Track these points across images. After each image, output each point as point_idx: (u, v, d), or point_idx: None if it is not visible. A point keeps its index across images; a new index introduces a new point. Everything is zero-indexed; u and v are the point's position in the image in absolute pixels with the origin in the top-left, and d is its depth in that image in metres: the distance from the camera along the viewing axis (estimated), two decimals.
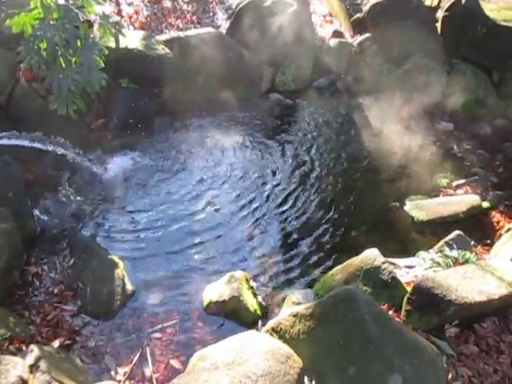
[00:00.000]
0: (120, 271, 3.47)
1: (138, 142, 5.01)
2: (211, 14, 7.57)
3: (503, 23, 6.03)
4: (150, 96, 5.41)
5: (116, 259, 3.56)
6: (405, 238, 4.09)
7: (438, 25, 6.27)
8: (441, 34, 6.21)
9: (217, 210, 4.26)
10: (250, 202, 4.40)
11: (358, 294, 2.36)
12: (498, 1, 7.10)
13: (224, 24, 7.00)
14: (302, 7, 6.75)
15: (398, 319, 2.79)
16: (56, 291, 3.37)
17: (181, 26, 7.02)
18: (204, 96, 5.79)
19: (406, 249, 3.85)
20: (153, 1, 7.61)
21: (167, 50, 5.60)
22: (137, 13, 7.09)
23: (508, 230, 3.84)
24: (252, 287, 3.46)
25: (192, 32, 6.03)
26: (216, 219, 4.16)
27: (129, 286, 3.43)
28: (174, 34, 6.06)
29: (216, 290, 3.34)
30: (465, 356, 2.62)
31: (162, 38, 5.88)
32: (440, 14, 6.30)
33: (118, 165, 4.70)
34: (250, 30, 6.19)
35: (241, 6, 6.48)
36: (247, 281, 3.46)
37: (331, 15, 7.71)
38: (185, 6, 7.61)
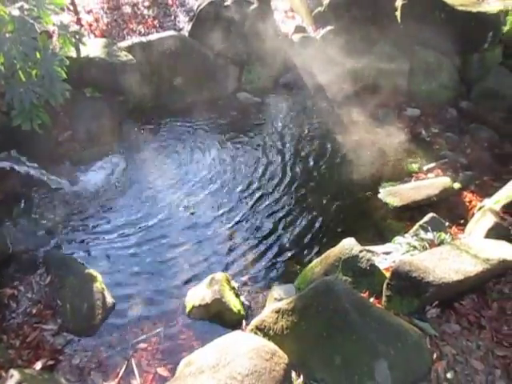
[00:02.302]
0: (99, 284, 3.40)
1: (107, 152, 4.93)
2: (172, 17, 7.50)
3: (460, 8, 6.16)
4: (116, 104, 5.34)
5: (94, 273, 3.49)
6: (381, 225, 4.14)
7: (398, 13, 6.36)
8: (401, 22, 6.30)
9: (193, 214, 4.22)
10: (226, 202, 4.38)
11: (337, 284, 2.38)
12: None
13: (186, 26, 6.95)
14: (263, 5, 6.76)
15: (380, 305, 2.82)
16: (34, 311, 3.28)
17: (143, 31, 6.94)
18: (171, 100, 5.75)
19: (383, 235, 3.90)
20: (112, 7, 7.50)
21: (130, 57, 5.53)
22: (97, 21, 6.98)
23: (480, 208, 3.92)
24: (234, 288, 3.45)
25: (154, 36, 5.97)
26: (193, 223, 4.13)
27: (109, 299, 3.37)
28: (136, 39, 5.99)
29: (198, 294, 3.32)
30: (447, 335, 2.66)
31: (124, 44, 5.81)
32: (399, 3, 6.39)
33: (88, 177, 4.62)
34: (212, 31, 6.17)
35: (201, 7, 6.44)
36: (228, 282, 3.44)
37: (293, 11, 7.74)
38: (145, 11, 7.53)
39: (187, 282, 3.57)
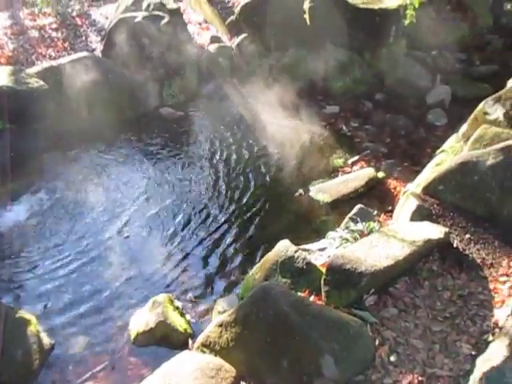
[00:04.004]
0: (33, 327, 3.20)
1: (29, 185, 4.67)
2: (83, 37, 7.30)
3: (363, 6, 6.50)
4: (32, 133, 5.09)
5: (26, 315, 3.27)
6: (315, 222, 4.24)
7: (307, 15, 6.59)
8: (310, 23, 6.53)
9: (127, 238, 4.10)
10: (159, 222, 4.29)
11: (273, 288, 2.40)
12: None
13: (99, 46, 6.78)
14: (176, 18, 6.76)
15: (320, 301, 2.87)
16: None
17: (53, 54, 6.68)
18: (91, 123, 5.55)
19: (319, 232, 3.98)
20: (17, 33, 7.16)
21: (41, 82, 5.31)
22: (1, 47, 6.62)
23: (404, 193, 4.13)
24: (178, 307, 3.38)
25: (65, 59, 5.79)
26: (127, 247, 4.00)
27: (46, 341, 3.17)
28: (46, 64, 5.78)
29: (141, 320, 3.22)
30: (386, 319, 2.76)
31: (33, 70, 5.58)
32: (307, 5, 6.62)
33: (11, 212, 4.36)
34: (125, 49, 6.06)
35: (112, 25, 6.31)
36: (172, 302, 3.37)
37: (206, 22, 7.78)
38: (54, 34, 7.26)
39: (128, 308, 3.45)
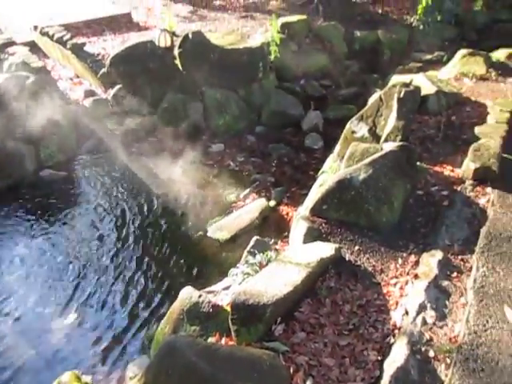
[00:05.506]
0: None
1: None
2: None
3: (230, 46, 6.84)
4: None
5: None
6: (218, 262, 4.25)
7: (178, 62, 6.74)
8: (183, 68, 6.69)
9: (18, 320, 3.72)
10: (49, 294, 3.96)
11: (178, 340, 2.33)
12: (218, 29, 8.03)
13: None
14: (43, 76, 6.51)
15: (232, 341, 2.86)
16: None
17: None
18: None
19: (222, 271, 3.98)
20: None
21: None
22: None
23: (296, 217, 4.32)
24: (87, 383, 3.12)
25: None
26: (20, 328, 3.64)
27: None
28: None
29: None
30: (297, 345, 2.81)
31: None
32: (176, 52, 6.79)
33: None
34: None
35: None
36: (79, 379, 3.09)
37: (78, 76, 7.58)
38: None
39: None
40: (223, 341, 2.89)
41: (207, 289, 3.38)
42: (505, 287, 3.00)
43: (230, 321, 2.82)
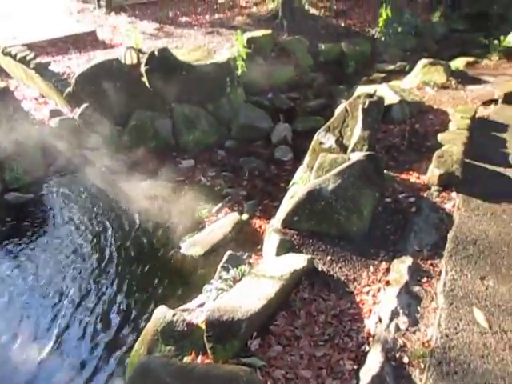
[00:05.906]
0: None
1: None
2: None
3: (196, 63, 6.88)
4: None
5: None
6: (191, 278, 4.21)
7: (145, 78, 6.72)
8: (150, 85, 6.67)
9: None
10: (22, 325, 3.84)
11: (151, 362, 2.29)
12: (185, 45, 8.07)
13: None
14: (4, 96, 6.36)
15: (209, 359, 2.83)
16: None
17: None
18: None
19: (196, 287, 3.94)
20: None
21: None
22: None
23: (268, 229, 4.33)
24: None
25: None
26: None
27: None
28: None
29: None
30: (273, 359, 2.80)
31: None
32: (143, 69, 6.77)
33: None
34: None
35: None
36: None
37: (43, 96, 7.45)
38: None
39: None
40: (199, 359, 2.86)
41: (182, 307, 3.34)
42: (473, 289, 3.09)
43: (205, 338, 2.80)
